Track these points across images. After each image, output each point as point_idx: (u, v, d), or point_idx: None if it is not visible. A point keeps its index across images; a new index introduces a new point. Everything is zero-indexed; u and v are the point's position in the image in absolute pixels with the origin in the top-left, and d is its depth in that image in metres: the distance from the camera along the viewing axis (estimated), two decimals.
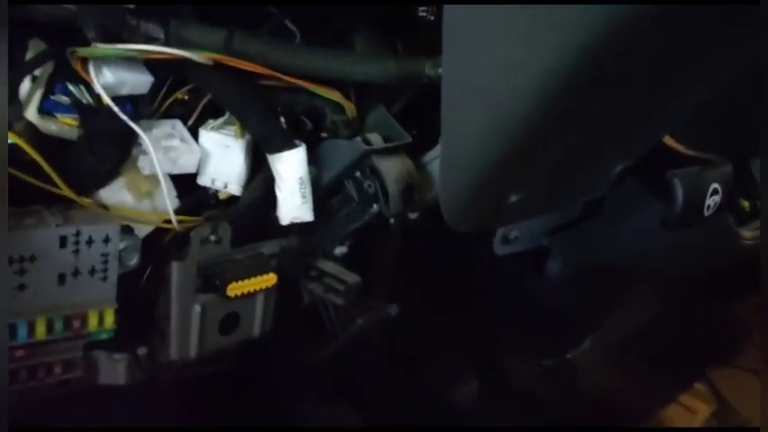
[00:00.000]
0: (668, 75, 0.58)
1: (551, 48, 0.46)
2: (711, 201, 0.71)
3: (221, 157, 0.67)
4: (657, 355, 1.65)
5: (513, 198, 0.62)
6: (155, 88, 0.64)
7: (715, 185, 0.70)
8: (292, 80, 0.62)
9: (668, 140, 0.77)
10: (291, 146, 0.63)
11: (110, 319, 0.59)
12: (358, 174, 0.64)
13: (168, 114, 0.67)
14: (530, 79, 0.48)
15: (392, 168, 0.62)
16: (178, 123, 0.67)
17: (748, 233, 0.97)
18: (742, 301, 1.81)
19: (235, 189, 0.68)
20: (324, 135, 0.66)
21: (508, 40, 0.48)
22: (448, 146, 0.55)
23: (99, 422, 0.80)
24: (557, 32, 0.45)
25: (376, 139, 0.64)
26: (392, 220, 0.63)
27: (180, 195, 0.67)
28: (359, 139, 0.64)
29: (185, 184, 0.68)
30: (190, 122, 0.68)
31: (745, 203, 0.98)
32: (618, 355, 1.63)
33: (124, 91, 0.62)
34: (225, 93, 0.61)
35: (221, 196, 0.70)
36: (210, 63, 0.58)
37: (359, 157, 0.62)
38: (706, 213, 0.70)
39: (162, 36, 0.57)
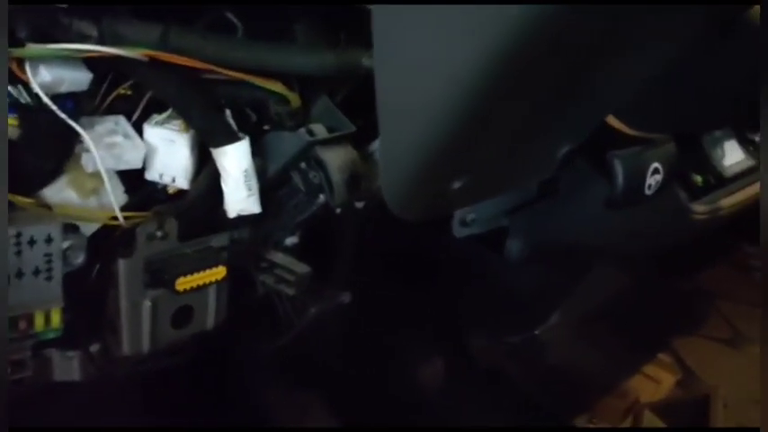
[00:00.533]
0: (602, 60, 0.59)
1: (479, 40, 0.47)
2: (653, 180, 0.72)
3: (167, 152, 0.67)
4: (623, 326, 1.68)
5: (457, 184, 0.62)
6: (95, 85, 0.63)
7: (656, 165, 0.72)
8: (233, 73, 0.62)
9: (613, 121, 0.78)
10: (234, 139, 0.63)
11: (56, 319, 0.60)
12: (303, 165, 0.65)
13: (111, 110, 0.66)
14: (460, 69, 0.49)
15: (336, 159, 0.63)
16: (121, 119, 0.67)
17: (701, 207, 0.99)
18: (706, 270, 1.85)
19: (182, 183, 0.68)
20: (268, 127, 0.66)
21: (435, 35, 0.48)
22: (386, 136, 0.55)
23: (69, 418, 0.81)
24: (482, 28, 0.46)
25: (320, 130, 0.65)
26: (338, 210, 0.64)
27: (128, 191, 0.68)
28: (303, 130, 0.65)
29: (135, 179, 0.68)
30: (134, 118, 0.68)
31: (698, 178, 0.99)
32: (584, 328, 1.66)
33: (63, 89, 0.61)
34: (164, 89, 0.61)
35: (170, 191, 0.70)
36: (146, 60, 0.58)
37: (303, 149, 0.63)
38: (647, 192, 0.72)
39: (95, 33, 0.57)
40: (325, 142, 0.63)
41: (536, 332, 1.61)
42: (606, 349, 1.66)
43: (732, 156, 1.04)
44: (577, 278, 1.57)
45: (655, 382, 1.60)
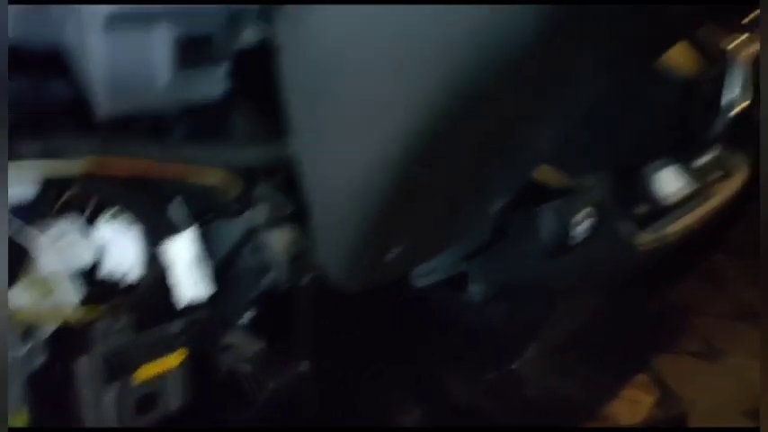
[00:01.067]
0: (516, 128, 0.63)
1: (393, 128, 0.50)
2: (583, 225, 0.76)
3: (119, 246, 0.71)
4: (598, 352, 1.70)
5: (393, 254, 0.66)
6: (46, 190, 0.67)
7: (586, 210, 0.76)
8: (174, 171, 0.66)
9: (544, 172, 0.82)
10: (178, 232, 0.67)
11: (21, 421, 0.62)
12: (249, 248, 0.68)
13: (65, 210, 0.70)
14: (377, 152, 0.52)
15: (278, 240, 0.66)
16: (74, 219, 0.70)
17: (646, 238, 1.03)
18: (678, 285, 1.88)
19: (134, 275, 0.71)
20: (213, 215, 0.70)
21: (351, 123, 0.52)
22: (317, 217, 0.59)
23: None
24: (392, 117, 0.50)
25: (262, 213, 0.68)
26: (281, 290, 0.67)
27: (84, 287, 0.71)
28: (247, 214, 0.68)
29: (90, 274, 0.71)
30: (86, 215, 0.71)
31: (642, 209, 1.04)
32: (560, 358, 1.68)
33: (11, 201, 0.65)
34: (105, 194, 0.64)
35: (125, 283, 0.73)
36: (85, 171, 0.61)
37: (245, 235, 0.66)
38: (578, 238, 0.76)
39: (40, 148, 0.60)
40: (266, 225, 0.67)
41: (513, 366, 1.64)
42: (583, 377, 1.68)
43: (672, 183, 1.08)
44: (548, 309, 1.60)
45: (633, 404, 1.63)
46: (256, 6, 0.52)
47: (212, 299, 0.69)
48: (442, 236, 0.72)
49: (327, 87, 0.50)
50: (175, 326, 0.71)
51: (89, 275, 0.71)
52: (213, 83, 0.51)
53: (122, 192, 0.64)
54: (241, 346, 0.71)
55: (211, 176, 0.70)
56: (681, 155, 1.09)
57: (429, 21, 0.44)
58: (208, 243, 0.69)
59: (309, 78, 0.51)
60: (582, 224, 0.76)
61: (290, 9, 0.50)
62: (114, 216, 0.70)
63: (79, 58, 0.47)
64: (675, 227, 1.06)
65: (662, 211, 1.05)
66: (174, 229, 0.66)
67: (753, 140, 1.28)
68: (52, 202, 0.69)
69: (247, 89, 0.57)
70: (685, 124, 0.87)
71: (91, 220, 0.70)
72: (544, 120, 0.66)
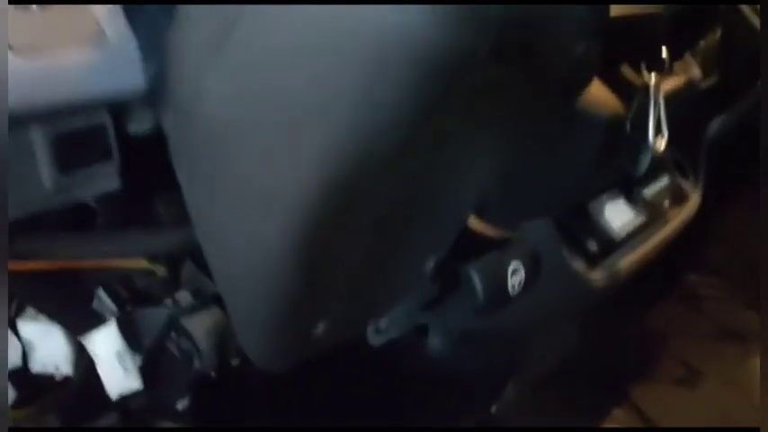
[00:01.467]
0: (439, 171, 0.61)
1: (290, 197, 0.49)
2: (515, 280, 0.76)
3: (45, 343, 0.70)
4: (577, 386, 1.69)
5: (321, 327, 0.65)
6: None
7: (514, 265, 0.75)
8: (92, 263, 0.65)
9: (475, 224, 0.82)
10: (98, 323, 0.66)
11: None
12: (173, 335, 0.67)
13: None
14: (281, 225, 0.50)
15: (200, 325, 0.65)
16: None
17: (598, 274, 1.03)
18: (653, 307, 1.87)
19: (66, 369, 0.70)
20: (135, 303, 0.69)
21: (246, 204, 0.52)
22: (229, 302, 0.58)
23: None
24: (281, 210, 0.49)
25: (185, 298, 0.67)
26: (212, 373, 0.66)
27: (16, 386, 0.69)
28: (168, 301, 0.67)
29: (22, 373, 0.70)
30: (11, 315, 0.70)
31: (593, 244, 1.03)
32: (540, 396, 1.66)
33: None
34: (21, 294, 0.63)
35: (57, 378, 0.72)
36: None
37: (167, 322, 0.65)
38: (512, 293, 0.75)
39: None
40: (188, 310, 0.66)
41: (492, 410, 1.61)
42: (565, 413, 1.66)
43: (621, 216, 1.08)
44: (519, 348, 1.59)
45: None
46: (142, 94, 0.51)
47: (144, 389, 0.68)
48: (374, 300, 0.71)
49: (215, 167, 0.49)
50: (109, 419, 0.70)
51: (23, 372, 0.69)
52: (105, 178, 0.51)
53: (33, 296, 0.63)
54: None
55: (132, 264, 0.69)
56: (626, 188, 1.10)
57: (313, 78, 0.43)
58: (133, 332, 0.68)
59: (198, 161, 0.51)
60: (514, 278, 0.75)
61: (175, 95, 0.50)
62: (37, 313, 0.69)
63: None
64: (627, 261, 1.06)
65: (615, 246, 1.05)
66: (91, 326, 0.65)
67: (702, 165, 1.30)
68: None
69: (150, 177, 0.57)
70: (618, 160, 0.88)
71: (13, 320, 0.69)
72: (460, 175, 0.65)
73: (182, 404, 0.73)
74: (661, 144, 0.79)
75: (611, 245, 1.04)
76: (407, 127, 0.47)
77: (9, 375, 0.68)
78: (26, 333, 0.69)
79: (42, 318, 0.69)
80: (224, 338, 0.66)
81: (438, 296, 1.02)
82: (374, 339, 1.07)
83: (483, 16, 0.42)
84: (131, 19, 0.50)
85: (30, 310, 0.70)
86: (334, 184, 0.48)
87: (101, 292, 0.70)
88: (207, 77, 0.46)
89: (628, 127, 0.81)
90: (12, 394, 0.69)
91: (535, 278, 0.79)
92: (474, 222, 0.82)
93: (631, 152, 0.82)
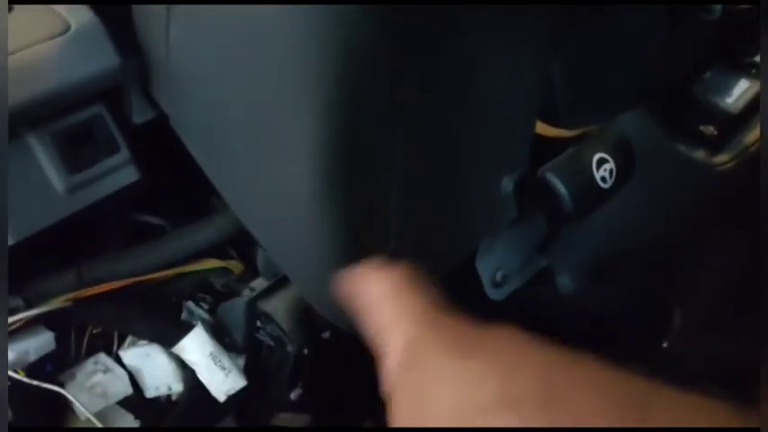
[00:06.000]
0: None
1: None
2: (604, 171, 0.67)
3: (150, 367, 0.70)
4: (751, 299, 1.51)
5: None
6: (62, 337, 0.67)
7: (598, 156, 0.67)
8: (161, 274, 0.65)
9: (545, 129, 0.74)
10: (186, 331, 0.65)
11: None
12: (259, 323, 0.65)
13: (91, 350, 0.70)
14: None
15: (280, 306, 0.63)
16: (101, 356, 0.70)
17: (723, 157, 0.92)
18: None
19: (178, 387, 0.70)
20: (214, 301, 0.68)
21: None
22: (284, 267, 0.55)
23: None
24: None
25: (260, 284, 0.65)
26: (306, 351, 0.63)
27: (137, 416, 0.70)
28: (245, 292, 0.66)
29: (140, 401, 0.71)
30: (114, 348, 0.71)
31: (709, 128, 0.92)
32: (715, 317, 1.51)
33: (32, 357, 0.66)
34: (100, 320, 0.64)
35: (174, 398, 0.72)
36: (70, 304, 0.62)
37: (246, 312, 0.63)
38: (604, 186, 0.67)
39: (21, 303, 0.61)
40: (263, 294, 0.64)
41: (664, 345, 1.48)
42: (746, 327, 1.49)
43: (732, 89, 0.96)
44: (675, 271, 1.44)
45: None
46: (137, 84, 0.50)
47: (250, 385, 0.66)
48: (450, 231, 0.64)
49: (214, 125, 0.46)
50: (227, 422, 0.69)
51: (134, 405, 0.70)
52: (120, 171, 0.49)
53: (114, 319, 0.63)
54: (292, 422, 0.67)
55: (204, 265, 0.68)
56: (729, 58, 0.98)
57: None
58: (223, 331, 0.67)
59: (198, 128, 0.48)
60: (602, 169, 0.67)
61: (152, 62, 0.48)
62: (135, 339, 0.70)
63: None
64: (753, 135, 0.94)
65: (734, 121, 0.93)
66: (179, 333, 0.64)
67: None
68: (78, 344, 0.69)
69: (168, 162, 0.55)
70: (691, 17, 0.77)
71: (117, 350, 0.70)
72: (492, 80, 0.58)
73: (295, 393, 0.70)
74: None
75: (729, 122, 0.92)
76: (391, 42, 0.42)
77: (123, 403, 0.69)
78: (129, 360, 0.69)
79: (140, 343, 0.70)
80: (307, 313, 0.63)
81: (551, 231, 0.94)
82: (494, 294, 1.00)
83: None
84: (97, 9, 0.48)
85: (127, 340, 0.71)
86: (338, 114, 0.43)
87: (189, 305, 0.70)
88: (170, 23, 0.43)
89: None
90: (135, 423, 0.69)
91: (628, 164, 0.70)
92: (544, 128, 0.74)
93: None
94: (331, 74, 0.40)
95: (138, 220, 0.70)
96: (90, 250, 0.64)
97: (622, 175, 0.69)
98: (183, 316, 0.70)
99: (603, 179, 0.67)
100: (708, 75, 0.95)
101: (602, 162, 0.67)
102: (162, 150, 0.54)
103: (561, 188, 0.64)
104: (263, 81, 0.42)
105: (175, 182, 0.63)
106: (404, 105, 0.46)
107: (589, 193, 0.66)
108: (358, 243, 0.53)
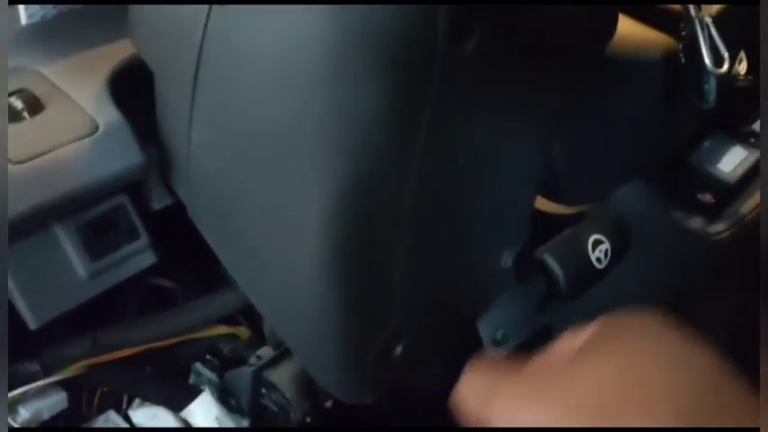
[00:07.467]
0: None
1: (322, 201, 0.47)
2: (599, 251, 0.70)
3: (156, 426, 0.72)
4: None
5: (398, 348, 0.62)
6: (75, 395, 0.70)
7: (595, 237, 0.70)
8: (173, 340, 0.68)
9: (544, 204, 0.77)
10: (194, 396, 0.68)
11: None
12: (264, 390, 0.68)
13: (102, 408, 0.73)
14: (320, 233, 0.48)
15: (284, 375, 0.65)
16: (111, 414, 0.73)
17: (719, 226, 0.94)
18: None
19: None
20: (222, 366, 0.71)
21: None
22: (290, 343, 0.57)
23: None
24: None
25: (266, 352, 0.68)
26: (308, 419, 0.65)
27: None
28: (252, 359, 0.68)
29: None
30: (123, 407, 0.74)
31: (707, 196, 0.95)
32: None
33: (46, 416, 0.68)
34: (114, 384, 0.66)
35: None
36: (86, 370, 0.64)
37: (253, 380, 0.66)
38: (599, 266, 0.70)
39: (38, 368, 0.64)
40: (269, 363, 0.66)
41: None
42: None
43: (731, 158, 0.99)
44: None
45: None
46: (145, 171, 0.53)
47: None
48: (450, 310, 0.67)
49: (228, 218, 0.50)
50: None
51: None
52: (138, 256, 0.53)
53: (125, 383, 0.66)
54: None
55: (213, 332, 0.71)
56: (728, 127, 1.00)
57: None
58: (230, 396, 0.70)
59: (213, 218, 0.51)
60: (597, 250, 0.70)
61: (174, 160, 0.51)
62: (143, 400, 0.73)
63: None
64: (750, 204, 0.97)
65: (732, 190, 0.96)
66: (185, 400, 0.67)
67: None
68: (89, 402, 0.72)
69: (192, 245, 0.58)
70: (688, 97, 0.80)
71: (126, 409, 0.73)
72: (495, 157, 0.61)
73: None
74: (723, 66, 0.72)
75: (727, 191, 0.95)
76: (396, 123, 0.45)
77: None
78: (138, 419, 0.72)
79: (149, 405, 0.72)
80: (310, 384, 0.66)
81: (551, 292, 0.96)
82: (494, 351, 1.02)
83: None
84: (121, 104, 0.52)
85: (136, 400, 0.73)
86: (346, 197, 0.46)
87: (197, 366, 0.72)
88: (192, 127, 0.47)
89: (682, 59, 0.74)
90: None
91: (623, 244, 0.73)
92: (544, 204, 0.77)
93: (696, 83, 0.75)
94: (345, 164, 0.44)
95: (150, 283, 0.73)
96: (105, 313, 0.67)
97: (617, 255, 0.72)
98: (191, 378, 0.73)
99: (599, 260, 0.70)
100: (706, 143, 0.97)
101: (597, 243, 0.70)
102: (175, 225, 0.58)
103: (558, 270, 0.67)
104: (278, 179, 0.45)
105: (186, 250, 0.66)
106: (413, 188, 0.50)
107: (584, 274, 0.68)
108: (360, 319, 0.56)
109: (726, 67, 0.72)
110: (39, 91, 0.49)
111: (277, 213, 0.47)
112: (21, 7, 0.54)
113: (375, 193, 0.47)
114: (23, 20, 0.54)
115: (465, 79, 0.48)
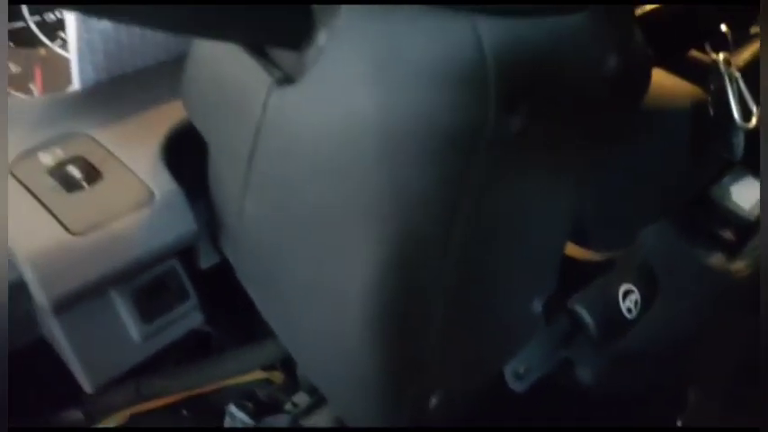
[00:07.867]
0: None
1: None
2: (630, 302, 0.71)
3: None
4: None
5: (434, 400, 0.64)
6: None
7: (625, 287, 0.71)
8: (210, 387, 0.69)
9: (574, 251, 0.78)
10: None
11: None
12: None
13: None
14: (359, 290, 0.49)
15: (320, 423, 0.67)
16: None
17: (740, 264, 0.95)
18: None
19: None
20: (258, 413, 0.72)
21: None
22: (330, 399, 0.59)
23: None
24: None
25: (301, 398, 0.69)
26: None
27: None
28: (288, 406, 0.70)
29: None
30: None
31: (728, 234, 0.96)
32: (731, 396, 1.52)
33: None
34: (153, 430, 0.68)
35: None
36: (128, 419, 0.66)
37: (289, 428, 0.67)
38: (630, 317, 0.71)
39: (81, 416, 0.65)
40: (305, 412, 0.68)
41: (678, 424, 1.50)
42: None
43: (751, 194, 1.00)
44: (689, 357, 1.47)
45: None
46: (206, 235, 0.55)
47: None
48: (485, 358, 0.69)
49: (274, 285, 0.51)
50: None
51: None
52: (187, 317, 0.54)
53: (169, 419, 0.67)
54: None
55: (248, 378, 0.72)
56: (749, 163, 1.02)
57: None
58: None
59: (259, 283, 0.53)
60: (627, 300, 0.71)
61: (225, 226, 0.52)
62: None
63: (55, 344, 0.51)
64: None
65: (752, 227, 0.97)
66: None
67: None
68: None
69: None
70: (715, 146, 0.81)
71: None
72: (532, 215, 0.62)
73: None
74: (752, 121, 0.73)
75: (747, 228, 0.96)
76: (442, 203, 0.46)
77: None
78: None
79: None
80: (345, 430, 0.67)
81: (573, 330, 0.98)
82: (516, 386, 1.04)
83: (479, 83, 0.41)
84: (175, 172, 0.53)
85: None
86: (392, 271, 0.47)
87: (231, 409, 0.74)
88: (245, 199, 0.48)
89: (711, 111, 0.76)
90: None
91: (653, 292, 0.74)
92: (574, 250, 0.78)
93: (724, 137, 0.76)
94: (391, 241, 0.45)
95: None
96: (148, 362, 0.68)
97: (647, 303, 0.73)
98: (226, 420, 0.74)
99: (629, 310, 0.71)
100: (726, 178, 0.99)
101: (627, 293, 0.71)
102: (220, 281, 0.59)
103: (589, 320, 0.69)
104: (327, 252, 0.47)
105: (228, 302, 0.68)
106: (452, 260, 0.51)
107: (615, 325, 0.70)
108: (399, 378, 0.57)
109: (754, 121, 0.73)
110: (94, 158, 0.51)
111: (323, 283, 0.49)
112: (74, 71, 0.55)
113: (418, 267, 0.49)
114: (77, 84, 0.55)
115: (509, 154, 0.49)
